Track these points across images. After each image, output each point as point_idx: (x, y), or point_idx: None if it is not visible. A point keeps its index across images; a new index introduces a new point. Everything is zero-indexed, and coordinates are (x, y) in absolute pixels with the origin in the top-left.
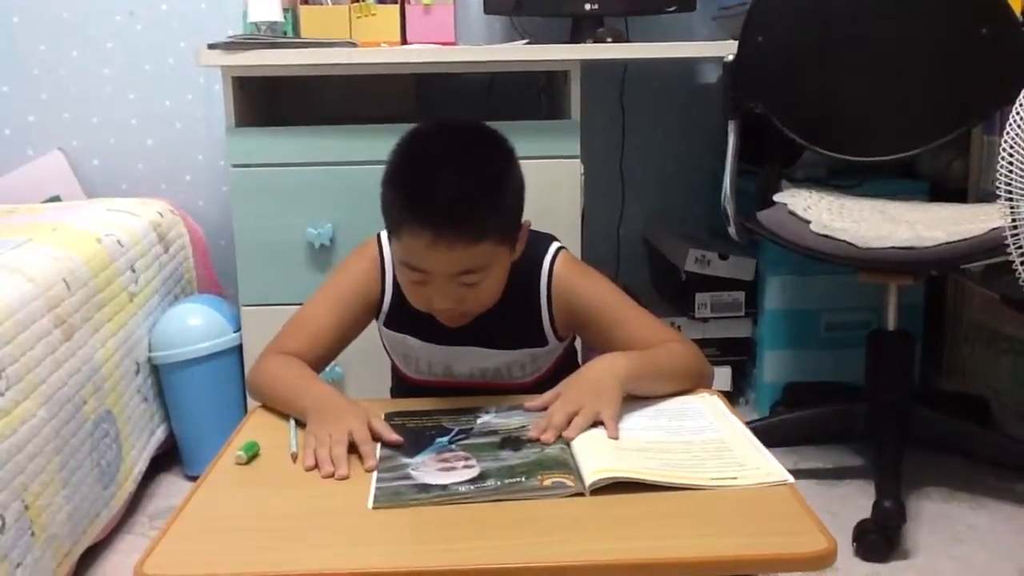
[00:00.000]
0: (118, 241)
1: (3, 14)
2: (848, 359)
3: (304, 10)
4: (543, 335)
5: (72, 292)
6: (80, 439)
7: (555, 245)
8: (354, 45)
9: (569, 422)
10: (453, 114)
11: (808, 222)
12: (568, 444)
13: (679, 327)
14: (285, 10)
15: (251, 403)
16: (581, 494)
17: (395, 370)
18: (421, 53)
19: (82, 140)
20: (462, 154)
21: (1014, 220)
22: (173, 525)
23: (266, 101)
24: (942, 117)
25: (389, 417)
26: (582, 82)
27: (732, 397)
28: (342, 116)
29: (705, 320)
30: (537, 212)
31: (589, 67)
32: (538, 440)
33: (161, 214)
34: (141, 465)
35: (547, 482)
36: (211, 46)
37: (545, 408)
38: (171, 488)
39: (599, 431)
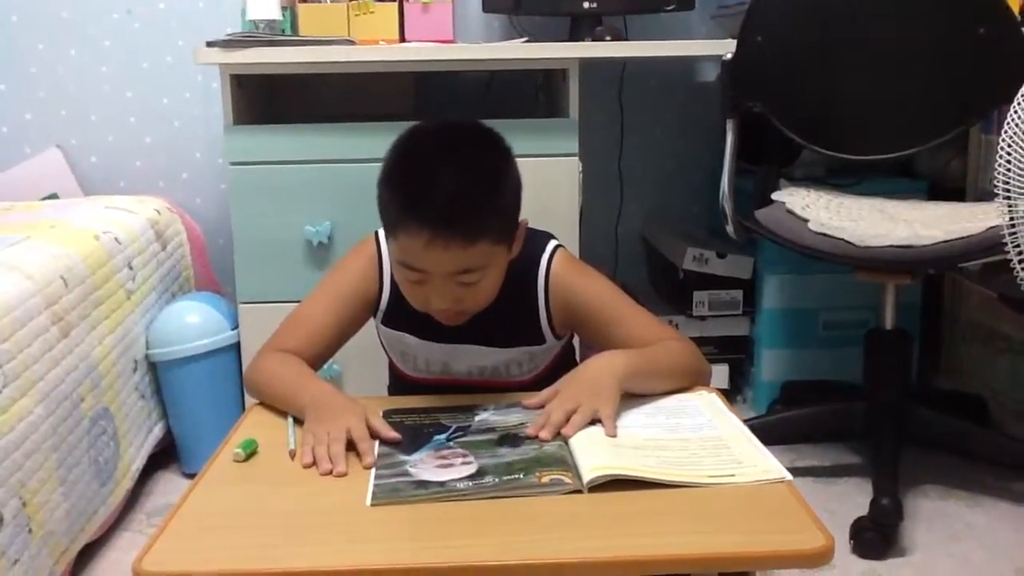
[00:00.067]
0: (116, 239)
1: (1, 12)
2: (846, 358)
3: (302, 8)
4: (541, 333)
5: (70, 289)
6: (77, 436)
7: (553, 243)
8: (352, 43)
9: (567, 420)
10: (450, 113)
11: (806, 221)
12: (566, 441)
13: (677, 325)
14: (283, 8)
15: (249, 400)
16: (579, 491)
17: (393, 368)
18: (419, 51)
19: (80, 138)
20: (459, 154)
21: (1012, 219)
22: (171, 522)
23: (264, 99)
24: (940, 116)
25: (387, 414)
26: (581, 80)
27: (730, 395)
28: (340, 114)
29: (703, 318)
30: (535, 210)
31: (588, 65)
32: (536, 437)
33: (159, 212)
34: (139, 462)
35: (545, 479)
36: (209, 44)
37: (543, 406)
38: (168, 486)
39: (597, 429)
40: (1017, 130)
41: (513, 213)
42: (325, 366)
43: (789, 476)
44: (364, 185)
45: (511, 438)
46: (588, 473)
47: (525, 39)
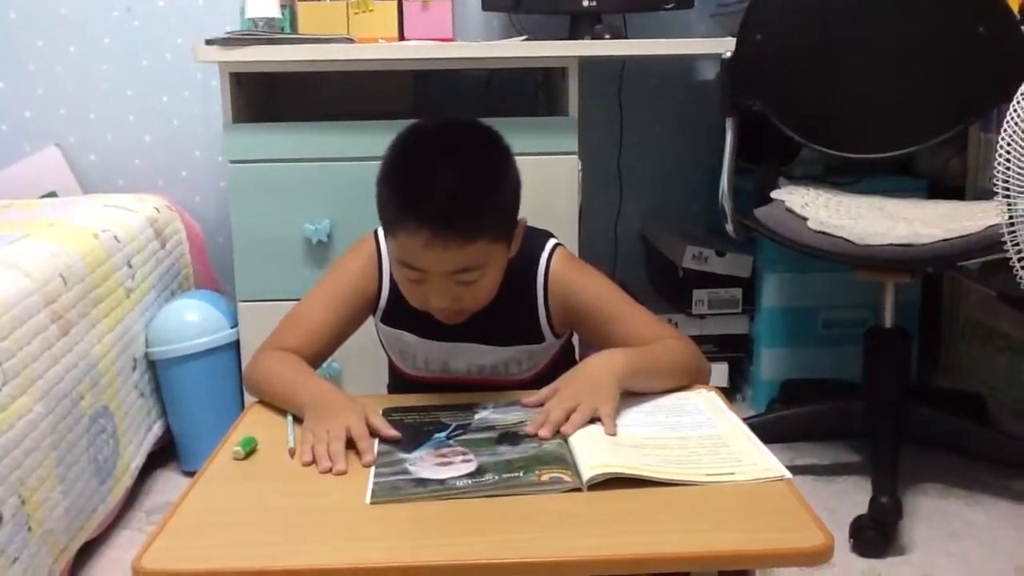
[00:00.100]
0: (115, 237)
1: (0, 10)
2: (845, 356)
3: (302, 6)
4: (540, 332)
5: (69, 287)
6: (77, 434)
7: (552, 242)
8: (352, 41)
9: (567, 418)
10: (449, 111)
11: (805, 219)
12: (566, 440)
13: (676, 324)
14: (283, 6)
15: (248, 399)
16: (578, 489)
17: (392, 366)
18: (419, 49)
19: (79, 136)
20: (458, 153)
21: (1011, 217)
22: (171, 520)
23: (264, 97)
24: (940, 115)
25: (387, 413)
26: (580, 79)
27: (729, 394)
28: (340, 112)
29: (702, 317)
30: (535, 209)
31: (587, 64)
32: (535, 436)
33: (158, 210)
34: (138, 461)
35: (544, 477)
36: (208, 42)
37: (542, 404)
38: (168, 484)
39: (597, 427)
40: (1016, 129)
41: (512, 212)
42: (324, 364)
43: (788, 474)
44: (363, 183)
45: (511, 436)
46: (587, 471)
47: (524, 37)
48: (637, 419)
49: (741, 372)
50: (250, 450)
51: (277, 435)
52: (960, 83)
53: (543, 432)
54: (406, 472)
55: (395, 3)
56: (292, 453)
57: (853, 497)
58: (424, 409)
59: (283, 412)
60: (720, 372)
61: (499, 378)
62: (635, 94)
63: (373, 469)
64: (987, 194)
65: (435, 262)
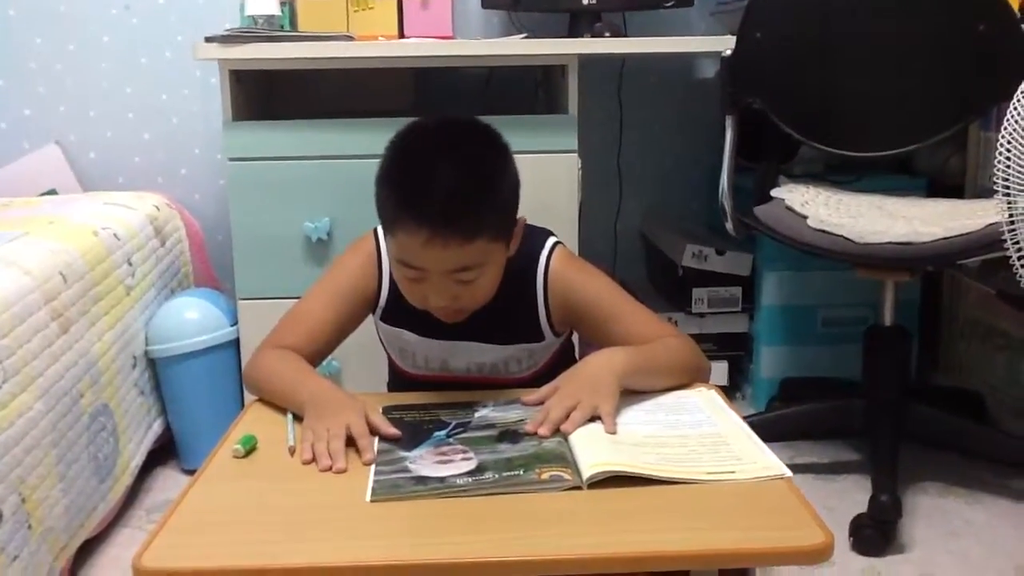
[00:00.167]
0: (115, 234)
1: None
2: (845, 355)
3: (301, 3)
4: (540, 330)
5: (69, 285)
6: (77, 432)
7: (552, 240)
8: (351, 39)
9: (567, 416)
10: (449, 109)
11: (805, 217)
12: (566, 438)
13: (676, 322)
14: (282, 3)
15: (248, 397)
16: (578, 488)
17: (392, 365)
18: (419, 47)
19: (79, 134)
20: (457, 152)
21: (1011, 216)
22: (171, 518)
23: (263, 95)
24: (940, 113)
25: (387, 411)
26: (580, 77)
27: (729, 392)
28: (339, 110)
29: (702, 315)
30: (534, 207)
31: (587, 62)
32: (535, 434)
33: (158, 208)
34: (138, 459)
35: (545, 476)
36: (208, 39)
37: (543, 402)
38: (168, 482)
39: (597, 425)
40: (1016, 127)
41: (511, 210)
42: (324, 363)
43: (788, 473)
44: (363, 181)
45: (511, 434)
46: (587, 469)
47: (524, 35)
48: (637, 417)
49: (741, 370)
50: (250, 448)
51: (277, 433)
52: (960, 82)
53: (543, 430)
54: (406, 470)
55: (395, 1)
56: (292, 451)
57: (853, 496)
58: (424, 407)
59: (283, 410)
60: (720, 370)
61: (499, 377)
62: (635, 92)
63: (373, 467)
64: (987, 192)
65: (434, 261)
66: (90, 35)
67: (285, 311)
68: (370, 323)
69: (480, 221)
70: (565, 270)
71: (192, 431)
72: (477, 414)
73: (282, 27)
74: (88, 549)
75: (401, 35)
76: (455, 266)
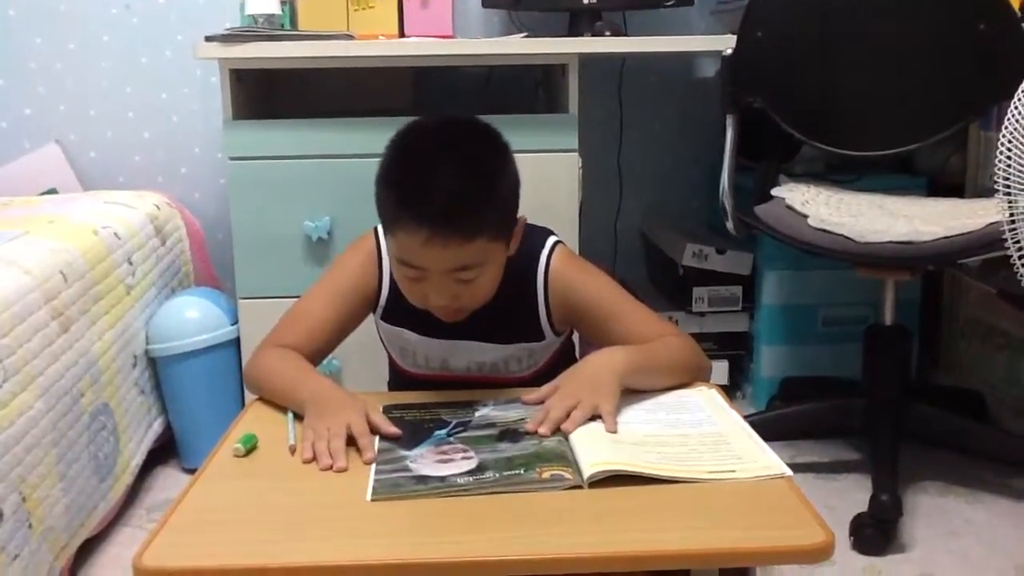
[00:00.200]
0: (115, 234)
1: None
2: (845, 354)
3: (301, 2)
4: (540, 330)
5: (69, 284)
6: (77, 431)
7: (552, 239)
8: (352, 38)
9: (567, 416)
10: (449, 109)
11: (806, 216)
12: (566, 437)
13: (676, 321)
14: (283, 2)
15: (249, 396)
16: (579, 487)
17: (392, 364)
18: (419, 46)
19: (79, 133)
20: (456, 151)
21: (1012, 215)
22: (171, 517)
23: (263, 94)
24: (940, 112)
25: (387, 410)
26: (580, 76)
27: (729, 391)
28: (339, 109)
29: (702, 314)
30: (535, 206)
31: (587, 61)
32: (536, 433)
33: (158, 207)
34: (138, 458)
35: (545, 475)
36: (208, 38)
37: (543, 402)
38: (168, 481)
39: (597, 424)
40: (1017, 126)
41: (511, 210)
42: (324, 362)
43: (789, 472)
44: (363, 180)
45: (511, 434)
46: (588, 468)
47: (524, 34)
48: (638, 416)
49: (741, 370)
50: (250, 447)
51: (277, 432)
52: (960, 81)
53: (543, 429)
54: (407, 469)
55: (395, 0)
56: (292, 450)
57: (853, 495)
58: (424, 406)
59: (283, 409)
60: (720, 370)
61: (499, 376)
62: (635, 91)
63: (374, 466)
64: (987, 192)
65: (434, 260)
66: (90, 34)
67: (285, 310)
68: (370, 322)
69: (480, 220)
70: (565, 269)
71: (192, 430)
72: (478, 413)
73: (282, 26)
74: (88, 548)
75: (401, 34)
76: (455, 265)
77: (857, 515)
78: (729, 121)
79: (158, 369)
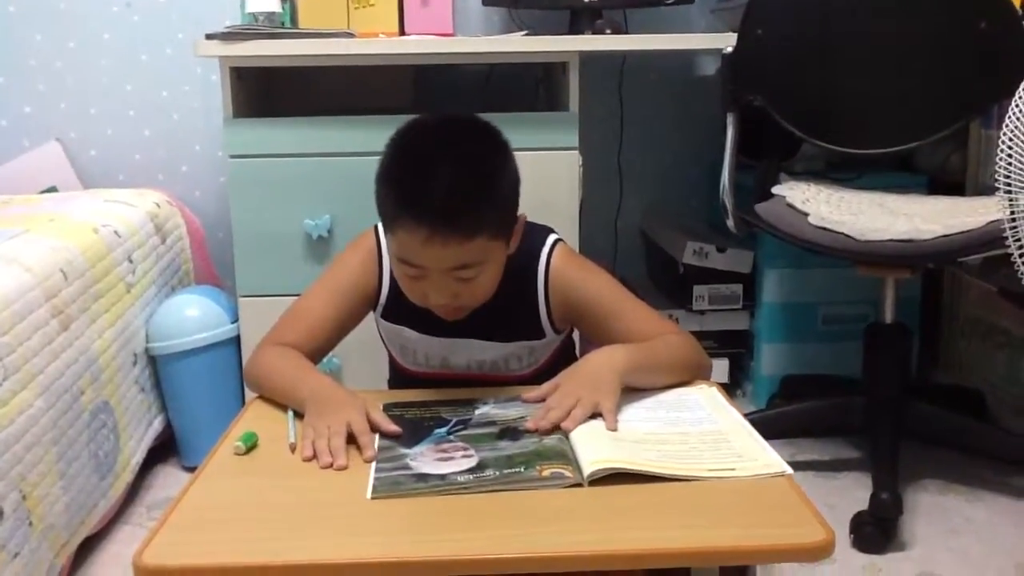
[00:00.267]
0: (115, 232)
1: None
2: (845, 352)
3: (302, 0)
4: (540, 328)
5: (69, 282)
6: (77, 430)
7: (552, 237)
8: (352, 36)
9: (567, 414)
10: (449, 107)
11: (806, 215)
12: (566, 435)
13: (677, 320)
14: (283, 0)
15: (249, 394)
16: (579, 485)
17: (392, 362)
18: (419, 44)
19: (79, 131)
20: (456, 150)
21: (1012, 213)
22: (171, 515)
23: (264, 92)
24: (941, 111)
25: (387, 408)
26: (580, 74)
27: (729, 390)
28: (340, 107)
29: (703, 313)
30: (535, 204)
31: (587, 59)
32: (536, 431)
33: (158, 205)
34: (139, 456)
35: (545, 472)
36: (209, 36)
37: (543, 400)
38: (168, 479)
39: (598, 422)
40: (1018, 125)
41: (511, 208)
42: (325, 360)
43: (789, 470)
44: (364, 178)
45: (511, 431)
46: (588, 466)
47: (525, 32)
48: (638, 415)
49: (741, 368)
50: (251, 445)
51: (278, 430)
52: (961, 79)
53: (543, 428)
54: (407, 467)
55: None
56: (293, 448)
57: (853, 493)
58: (424, 404)
59: (284, 407)
60: (720, 368)
61: (499, 374)
62: (636, 89)
63: (374, 464)
64: (987, 190)
65: (434, 259)
66: (90, 32)
67: (286, 308)
68: (371, 320)
69: (480, 219)
70: (566, 267)
71: (192, 428)
72: (478, 411)
73: (283, 24)
74: (88, 546)
75: (402, 32)
76: (455, 264)
77: (857, 513)
78: (729, 119)
79: (158, 367)
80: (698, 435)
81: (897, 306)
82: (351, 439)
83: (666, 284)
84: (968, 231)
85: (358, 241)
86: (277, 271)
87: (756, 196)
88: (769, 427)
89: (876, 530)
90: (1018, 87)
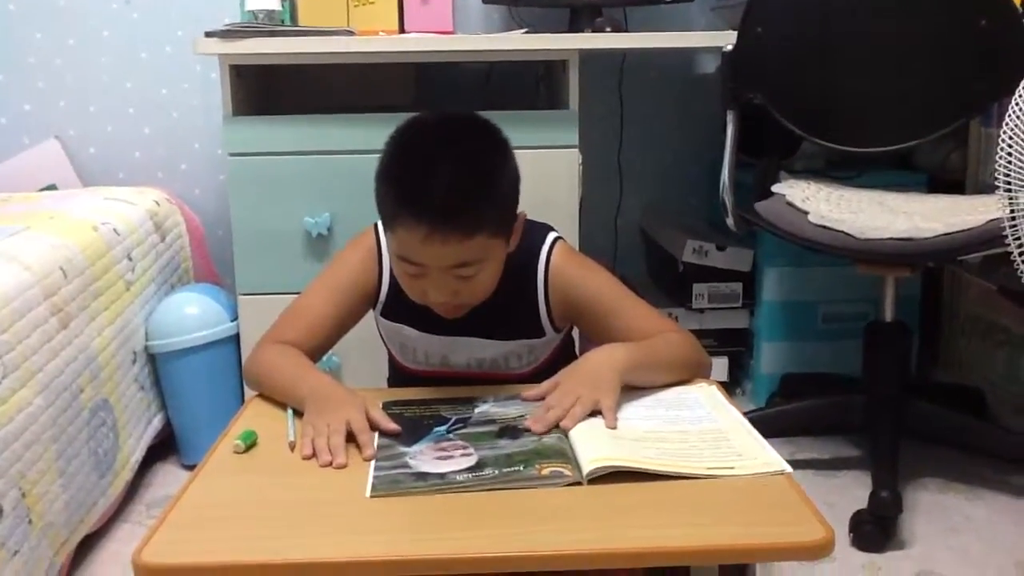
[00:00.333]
0: (115, 230)
1: None
2: (845, 351)
3: None
4: (540, 326)
5: (69, 280)
6: (77, 428)
7: (552, 235)
8: (352, 33)
9: (566, 413)
10: (449, 105)
11: (806, 213)
12: (566, 433)
13: (676, 318)
14: None
15: (248, 392)
16: (579, 483)
17: (392, 360)
18: (419, 42)
19: (79, 129)
20: (456, 148)
21: (1012, 212)
22: (171, 513)
23: (263, 90)
24: (940, 109)
25: (387, 406)
26: (580, 72)
27: (729, 388)
28: (340, 105)
29: (702, 311)
30: (535, 202)
31: (587, 57)
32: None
33: (158, 203)
34: (138, 454)
35: (545, 471)
36: (208, 34)
37: (543, 398)
38: (168, 477)
39: (597, 420)
40: (1018, 123)
41: (511, 206)
42: (324, 358)
43: (789, 469)
44: (364, 176)
45: (511, 430)
46: (588, 465)
47: (525, 30)
48: (637, 413)
49: (741, 366)
50: (250, 444)
51: (277, 429)
52: (961, 77)
53: (542, 427)
54: (406, 466)
55: None
56: (292, 447)
57: (853, 491)
58: (424, 403)
59: (283, 406)
60: (720, 366)
61: (499, 372)
62: (636, 87)
63: (373, 463)
64: (987, 188)
65: (434, 257)
66: (90, 30)
67: (285, 306)
68: (370, 319)
69: (479, 217)
70: (566, 265)
71: (192, 426)
72: (477, 410)
73: (282, 22)
74: (88, 544)
75: (402, 30)
76: (455, 262)
77: (857, 512)
78: (729, 117)
79: (158, 365)
80: (698, 433)
81: (897, 304)
82: (350, 437)
83: (666, 282)
84: (968, 229)
85: (358, 239)
86: (277, 269)
87: (756, 194)
88: (769, 425)
89: (876, 528)
90: (1018, 85)
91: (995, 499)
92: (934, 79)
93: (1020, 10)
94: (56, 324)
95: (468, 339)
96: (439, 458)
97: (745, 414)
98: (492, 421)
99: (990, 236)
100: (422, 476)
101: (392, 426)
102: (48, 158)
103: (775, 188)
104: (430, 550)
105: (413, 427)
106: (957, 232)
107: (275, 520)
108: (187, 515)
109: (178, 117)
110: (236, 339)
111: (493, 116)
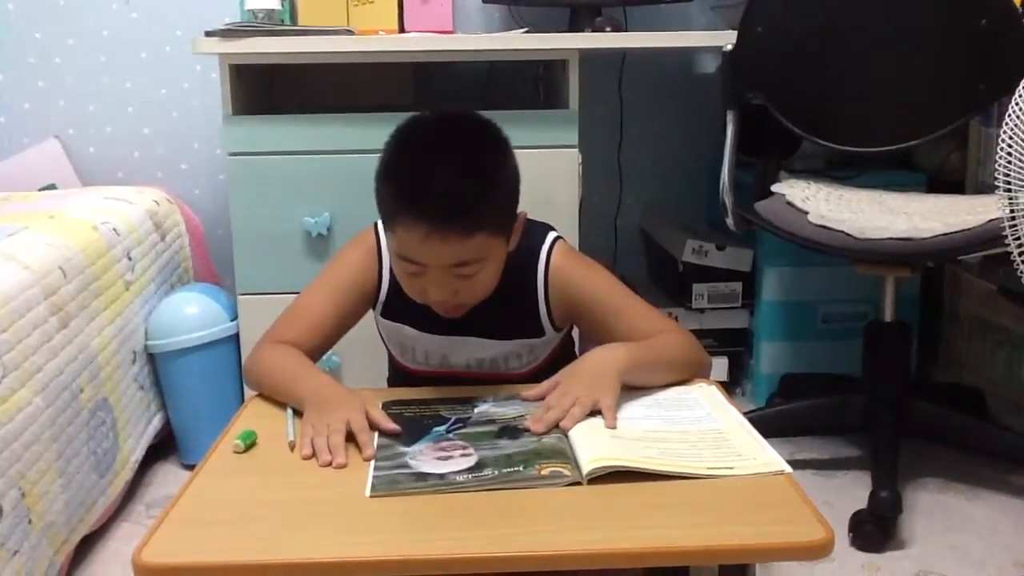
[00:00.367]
0: (114, 229)
1: None
2: (845, 350)
3: None
4: (540, 326)
5: (68, 280)
6: (77, 427)
7: (552, 235)
8: (352, 33)
9: (566, 413)
10: (448, 105)
11: (806, 213)
12: (566, 433)
13: (676, 318)
14: None
15: (248, 392)
16: (578, 483)
17: (392, 360)
18: (419, 41)
19: (78, 128)
20: (456, 147)
21: (1012, 211)
22: (171, 513)
23: (263, 89)
24: (940, 109)
25: (387, 406)
26: (580, 71)
27: (729, 388)
28: (340, 104)
29: (702, 311)
30: (535, 202)
31: (587, 56)
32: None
33: (157, 202)
34: (138, 454)
35: (545, 471)
36: (208, 34)
37: (543, 398)
38: (167, 477)
39: (597, 420)
40: (1018, 122)
41: (511, 205)
42: (324, 358)
43: (789, 468)
44: (363, 176)
45: (510, 430)
46: (587, 465)
47: (525, 30)
48: (637, 413)
49: (741, 366)
50: (250, 443)
51: (277, 428)
52: (961, 77)
53: (542, 427)
54: (406, 466)
55: None
56: (292, 446)
57: (853, 491)
58: (424, 403)
59: (283, 405)
60: (720, 366)
61: (499, 372)
62: (635, 87)
63: (373, 463)
64: (987, 188)
65: (434, 256)
66: (90, 29)
67: (285, 306)
68: (370, 318)
69: (479, 216)
70: (566, 265)
71: (192, 426)
72: (477, 410)
73: (282, 21)
74: (88, 544)
75: (401, 29)
76: (454, 261)
77: (856, 512)
78: (729, 117)
79: (157, 365)
80: (697, 433)
81: (897, 304)
82: (350, 437)
83: (666, 282)
84: (968, 229)
85: (358, 238)
86: (276, 269)
87: (756, 194)
88: (768, 425)
89: (875, 528)
90: (1018, 85)
91: (995, 499)
92: (934, 79)
93: (1020, 10)
94: (56, 324)
95: (468, 339)
96: (439, 458)
97: (745, 414)
98: (492, 421)
99: (990, 236)
100: (422, 476)
101: (392, 426)
102: (48, 158)
103: (775, 188)
104: (430, 550)
105: (413, 427)
106: (957, 232)
107: (275, 520)
108: (187, 515)
109: (178, 117)
110: (236, 339)
111: (493, 116)
